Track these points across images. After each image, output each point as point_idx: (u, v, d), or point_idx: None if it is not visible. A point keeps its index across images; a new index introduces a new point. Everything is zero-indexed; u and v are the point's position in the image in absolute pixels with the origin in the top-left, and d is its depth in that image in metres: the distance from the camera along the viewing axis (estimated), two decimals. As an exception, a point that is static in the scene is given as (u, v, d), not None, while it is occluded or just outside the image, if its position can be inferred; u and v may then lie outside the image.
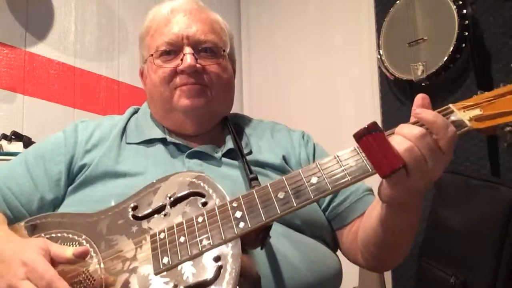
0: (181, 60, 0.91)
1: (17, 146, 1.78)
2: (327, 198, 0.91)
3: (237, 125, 1.01)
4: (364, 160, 0.62)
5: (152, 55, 0.94)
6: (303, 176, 0.64)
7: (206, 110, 0.93)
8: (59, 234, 0.75)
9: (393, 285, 1.95)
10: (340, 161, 0.63)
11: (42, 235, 0.76)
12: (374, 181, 0.92)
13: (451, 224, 1.44)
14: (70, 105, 2.11)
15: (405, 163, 0.58)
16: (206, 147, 0.92)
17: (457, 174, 1.51)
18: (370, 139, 0.58)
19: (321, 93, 2.44)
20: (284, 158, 0.94)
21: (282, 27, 2.70)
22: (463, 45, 1.68)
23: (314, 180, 0.63)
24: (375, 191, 0.96)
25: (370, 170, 0.61)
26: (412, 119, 0.64)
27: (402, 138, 0.60)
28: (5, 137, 1.77)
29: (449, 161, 0.61)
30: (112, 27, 2.33)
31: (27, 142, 1.81)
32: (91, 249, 0.70)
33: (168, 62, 0.93)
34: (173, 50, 0.93)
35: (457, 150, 1.76)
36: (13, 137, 1.78)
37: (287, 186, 0.64)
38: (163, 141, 0.93)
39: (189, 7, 0.98)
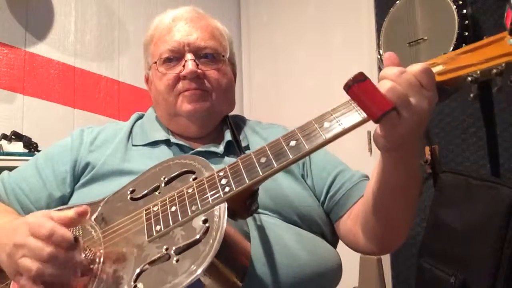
0: (183, 66, 0.96)
1: (17, 146, 1.78)
2: (324, 190, 0.93)
3: (236, 124, 1.05)
4: (337, 122, 0.66)
5: (155, 62, 0.99)
6: (282, 141, 0.69)
7: (208, 113, 0.98)
8: None
9: (393, 285, 1.95)
10: (316, 124, 0.68)
11: None
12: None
13: (451, 224, 1.45)
14: (70, 105, 2.11)
15: (394, 105, 0.61)
16: (207, 147, 0.96)
17: (457, 174, 1.52)
18: (358, 88, 0.62)
19: (321, 93, 2.44)
20: None
21: (282, 27, 2.70)
22: (463, 45, 1.68)
23: (292, 143, 0.68)
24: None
25: (343, 130, 0.65)
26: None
27: (385, 80, 0.63)
28: (5, 137, 1.77)
29: (434, 99, 0.64)
30: (112, 27, 2.33)
31: (27, 142, 1.81)
32: (91, 229, 0.76)
33: (171, 69, 0.98)
34: (175, 57, 0.97)
35: (457, 150, 1.77)
36: (13, 137, 1.79)
37: (268, 151, 0.69)
38: (167, 142, 0.97)
39: (190, 15, 1.03)
